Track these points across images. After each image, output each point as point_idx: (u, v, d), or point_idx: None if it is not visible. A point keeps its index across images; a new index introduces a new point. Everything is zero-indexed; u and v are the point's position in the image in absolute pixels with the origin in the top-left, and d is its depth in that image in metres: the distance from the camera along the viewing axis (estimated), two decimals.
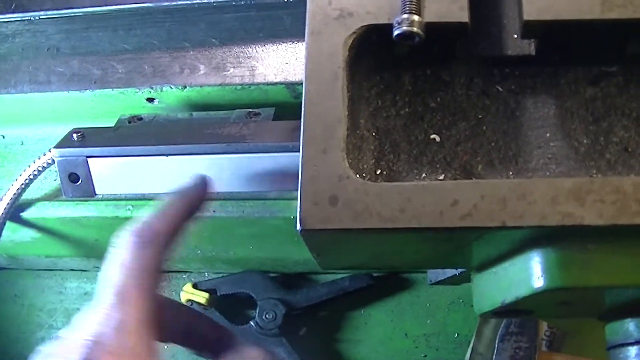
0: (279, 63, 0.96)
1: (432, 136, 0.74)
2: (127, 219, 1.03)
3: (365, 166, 0.72)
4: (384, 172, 0.72)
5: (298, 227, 0.65)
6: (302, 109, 0.68)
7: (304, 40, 0.88)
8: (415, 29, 0.68)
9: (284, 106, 0.99)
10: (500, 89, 0.75)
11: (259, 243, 1.06)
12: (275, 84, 0.96)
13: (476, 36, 0.73)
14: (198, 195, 0.72)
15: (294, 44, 0.96)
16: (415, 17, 0.68)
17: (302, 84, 0.86)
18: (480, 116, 0.74)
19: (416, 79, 0.75)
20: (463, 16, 0.70)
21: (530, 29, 0.70)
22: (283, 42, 0.97)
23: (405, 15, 0.68)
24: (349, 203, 0.65)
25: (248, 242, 1.06)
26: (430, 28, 0.70)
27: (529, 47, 0.74)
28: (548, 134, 0.73)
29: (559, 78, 0.75)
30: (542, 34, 0.71)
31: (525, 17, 0.69)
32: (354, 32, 0.71)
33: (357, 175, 0.69)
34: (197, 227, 0.97)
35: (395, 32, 0.68)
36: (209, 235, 1.06)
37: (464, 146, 0.73)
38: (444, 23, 0.70)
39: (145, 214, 0.67)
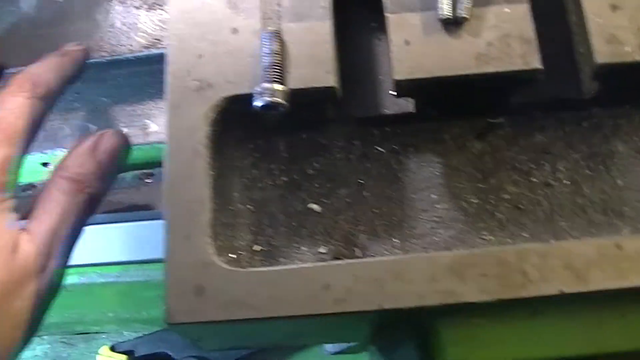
0: None
1: (312, 206, 0.70)
2: None
3: (241, 243, 0.68)
4: (263, 248, 0.68)
5: (166, 321, 0.60)
6: (163, 192, 0.63)
7: None
8: (277, 100, 0.64)
9: None
10: (382, 150, 0.71)
11: None
12: None
13: (350, 96, 0.69)
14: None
15: None
16: (277, 86, 0.64)
17: None
18: (361, 181, 0.70)
19: (292, 145, 0.72)
20: (330, 80, 0.66)
21: (404, 88, 0.67)
22: None
23: (267, 85, 0.64)
24: (216, 293, 0.62)
25: (158, 303, 1.01)
26: (297, 94, 0.65)
27: (407, 104, 0.70)
28: (434, 196, 0.70)
29: (443, 134, 0.71)
30: (418, 92, 0.67)
31: (396, 76, 0.66)
32: (215, 105, 0.66)
33: (232, 255, 0.67)
34: (102, 291, 0.94)
35: (257, 103, 0.65)
36: (118, 299, 1.02)
37: (346, 215, 0.69)
38: (310, 89, 0.65)
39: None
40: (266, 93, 0.64)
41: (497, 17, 0.66)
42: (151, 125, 0.93)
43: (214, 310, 0.61)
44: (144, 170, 0.93)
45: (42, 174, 0.98)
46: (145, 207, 0.87)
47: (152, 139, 0.93)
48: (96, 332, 1.14)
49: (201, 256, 0.62)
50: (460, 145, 0.70)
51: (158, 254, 0.82)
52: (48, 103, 0.72)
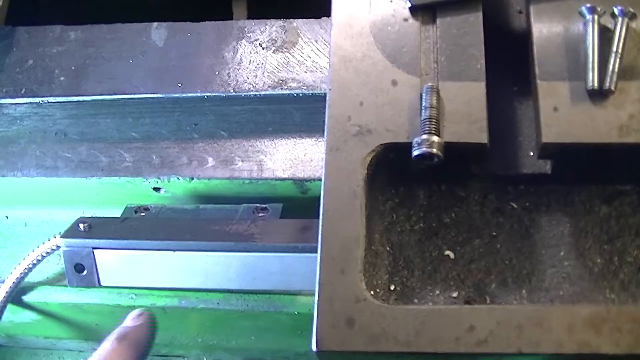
0: (287, 158, 0.96)
1: (446, 253, 0.74)
2: (129, 307, 1.02)
3: (379, 282, 0.72)
4: (398, 288, 0.72)
5: (314, 348, 0.65)
6: (320, 226, 0.68)
7: (312, 137, 0.89)
8: (434, 151, 0.68)
9: (291, 201, 0.98)
10: (515, 206, 0.75)
11: (261, 335, 1.06)
12: (284, 179, 0.95)
13: (492, 154, 0.73)
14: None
15: (302, 139, 0.97)
16: (435, 138, 0.69)
17: (310, 180, 0.87)
18: (494, 233, 0.74)
19: (431, 194, 0.76)
20: (482, 137, 0.70)
21: (548, 151, 0.71)
22: (292, 137, 0.97)
23: (425, 136, 0.69)
24: (366, 326, 0.65)
25: (250, 334, 1.05)
26: (449, 148, 0.70)
27: (545, 166, 0.75)
28: (562, 253, 0.73)
29: (573, 196, 0.75)
30: (559, 156, 0.72)
31: (544, 139, 0.70)
32: (373, 150, 0.70)
33: (371, 292, 0.69)
34: (200, 316, 0.97)
35: (415, 153, 0.69)
36: (211, 325, 1.06)
37: (478, 264, 0.73)
38: (463, 144, 0.71)
39: None
40: (424, 144, 0.68)
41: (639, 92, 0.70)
42: (267, 162, 0.97)
43: (363, 341, 0.65)
44: (258, 205, 0.96)
45: (155, 199, 1.01)
46: (255, 240, 0.90)
47: (266, 175, 0.97)
48: (177, 356, 1.17)
49: (354, 290, 0.66)
50: (588, 208, 0.75)
51: (263, 285, 0.87)
52: None
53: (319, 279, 0.66)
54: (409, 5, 0.76)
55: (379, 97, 0.71)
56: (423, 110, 0.69)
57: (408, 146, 0.69)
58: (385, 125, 0.70)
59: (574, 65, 0.71)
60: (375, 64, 0.73)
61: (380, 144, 0.70)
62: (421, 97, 0.70)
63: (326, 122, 0.70)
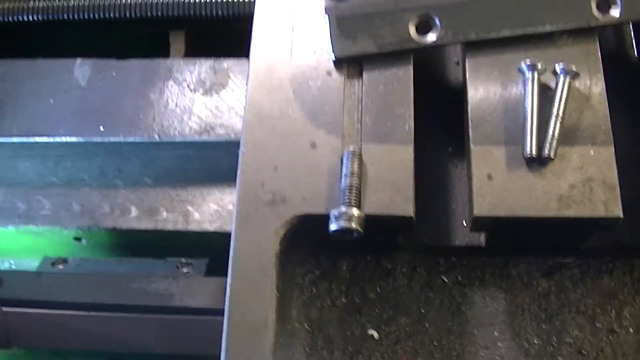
0: (215, 209, 0.88)
1: (370, 332, 0.68)
2: None
3: None
4: None
5: None
6: (226, 308, 0.61)
7: None
8: (353, 225, 0.62)
9: (219, 254, 0.91)
10: (446, 280, 0.69)
11: None
12: (211, 232, 0.87)
13: (421, 223, 0.66)
14: None
15: (231, 189, 0.90)
16: (355, 211, 0.62)
17: None
18: (422, 311, 0.68)
19: (355, 266, 0.70)
20: (408, 210, 0.64)
21: (481, 223, 0.64)
22: (220, 187, 0.91)
23: (344, 209, 0.62)
24: None
25: None
26: (372, 220, 0.63)
27: (479, 238, 0.68)
28: (496, 333, 0.68)
29: (510, 269, 0.70)
30: (494, 229, 0.65)
31: (476, 212, 0.63)
32: (287, 222, 0.63)
33: None
34: None
35: (332, 228, 0.62)
36: None
37: (404, 344, 0.67)
38: (386, 216, 0.63)
39: None
40: (343, 218, 0.62)
41: (581, 158, 0.64)
42: (193, 214, 0.90)
43: None
44: (183, 260, 0.89)
45: (75, 248, 0.95)
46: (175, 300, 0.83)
47: (192, 227, 0.90)
48: None
49: None
50: (526, 282, 0.70)
51: (184, 349, 0.80)
52: None
53: None
54: (333, 57, 0.68)
55: (296, 161, 0.64)
56: (343, 178, 0.62)
57: (325, 218, 0.61)
58: (302, 193, 0.64)
59: (511, 127, 0.66)
60: (293, 123, 0.66)
61: (295, 215, 0.62)
62: (342, 163, 0.62)
63: (237, 188, 0.63)
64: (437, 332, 0.67)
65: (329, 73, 0.70)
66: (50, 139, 0.92)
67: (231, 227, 0.65)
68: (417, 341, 0.67)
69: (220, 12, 1.02)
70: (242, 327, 0.61)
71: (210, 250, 0.91)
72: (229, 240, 0.83)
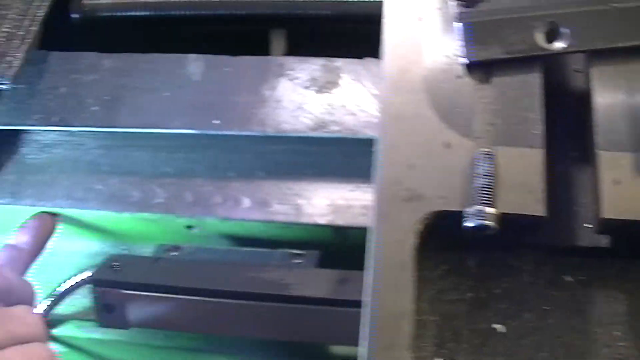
0: (325, 203, 0.92)
1: (496, 326, 0.70)
2: (157, 347, 0.98)
3: (425, 354, 0.68)
4: None
5: None
6: (367, 297, 0.65)
7: (352, 182, 0.85)
8: (489, 223, 0.65)
9: (328, 248, 0.95)
10: (569, 279, 0.71)
11: None
12: (321, 225, 0.91)
13: (547, 224, 0.69)
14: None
15: (342, 184, 0.93)
16: (489, 210, 0.65)
17: (348, 227, 0.84)
18: (546, 308, 0.70)
19: (482, 263, 0.72)
20: (539, 209, 0.67)
21: (608, 226, 0.67)
22: (331, 182, 0.93)
23: (479, 207, 0.65)
24: None
25: None
26: (503, 218, 0.66)
27: (603, 239, 0.70)
28: (618, 333, 0.70)
29: (632, 272, 0.71)
30: (619, 232, 0.68)
31: (605, 215, 0.66)
32: (425, 218, 0.67)
33: None
34: None
35: (467, 224, 0.65)
36: None
37: (528, 340, 0.70)
38: (519, 215, 0.66)
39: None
40: (478, 215, 0.65)
41: None
42: (304, 206, 0.93)
43: None
44: (293, 251, 0.93)
45: (187, 237, 0.98)
46: (291, 290, 0.87)
47: (303, 219, 0.93)
48: None
49: None
50: None
51: (296, 337, 0.84)
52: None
53: (365, 354, 0.62)
54: (464, 61, 0.71)
55: (431, 160, 0.68)
56: (477, 178, 0.65)
57: (460, 215, 0.65)
58: (438, 191, 0.67)
59: (638, 135, 0.66)
60: (427, 124, 0.69)
61: (432, 211, 0.65)
62: (475, 163, 0.65)
63: (375, 185, 0.66)
64: (559, 329, 0.69)
65: (459, 77, 0.73)
66: (167, 131, 0.95)
67: (371, 222, 0.67)
68: (540, 337, 0.69)
69: (324, 12, 1.04)
70: (382, 318, 0.64)
71: (320, 243, 0.94)
72: (339, 234, 0.87)
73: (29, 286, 0.93)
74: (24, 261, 0.98)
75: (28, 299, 0.90)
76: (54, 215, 1.03)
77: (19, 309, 0.86)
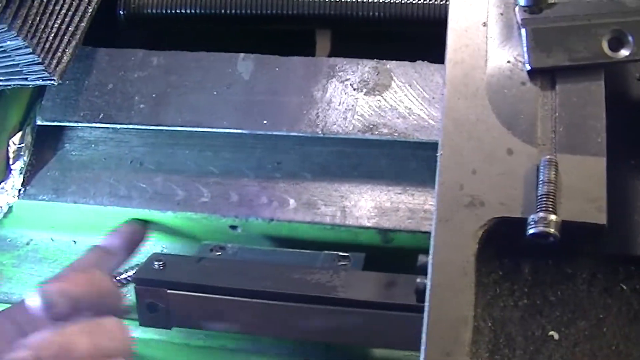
0: (372, 206, 0.92)
1: (550, 333, 0.70)
2: (198, 347, 0.98)
3: None
4: None
5: None
6: (427, 301, 0.66)
7: (399, 185, 0.85)
8: (552, 230, 0.64)
9: (373, 251, 0.95)
10: (624, 288, 0.71)
11: None
12: (368, 228, 0.91)
13: (606, 232, 0.68)
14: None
15: (389, 187, 0.93)
16: (552, 217, 0.65)
17: (395, 231, 0.84)
18: (601, 316, 0.70)
19: (536, 269, 0.72)
20: (601, 218, 0.67)
21: None
22: (378, 184, 0.93)
23: (542, 214, 0.65)
24: None
25: None
26: (564, 226, 0.65)
27: None
28: None
29: None
30: None
31: None
32: (485, 224, 0.66)
33: None
34: None
35: (531, 231, 0.65)
36: None
37: (582, 347, 0.69)
38: (580, 223, 0.66)
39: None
40: (541, 222, 0.64)
41: None
42: (351, 208, 0.93)
43: None
44: (339, 253, 0.93)
45: (230, 237, 0.98)
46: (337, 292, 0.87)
47: (349, 222, 0.93)
48: None
49: None
50: None
51: (342, 339, 0.83)
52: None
53: (424, 358, 0.61)
54: (528, 68, 0.71)
55: (493, 166, 0.67)
56: (540, 185, 0.65)
57: (521, 221, 0.64)
58: (499, 197, 0.67)
59: None
60: (489, 130, 0.69)
61: (493, 218, 0.65)
62: (538, 170, 0.65)
63: (436, 189, 0.67)
64: (614, 337, 0.69)
65: (523, 83, 0.73)
66: (214, 130, 0.95)
67: (432, 227, 0.67)
68: (595, 345, 0.69)
69: (372, 13, 1.04)
70: (442, 323, 0.64)
71: (365, 245, 0.94)
72: (385, 237, 0.86)
73: (119, 295, 0.92)
74: (112, 266, 0.96)
75: (118, 309, 0.89)
76: (145, 222, 1.03)
77: (110, 322, 0.84)
